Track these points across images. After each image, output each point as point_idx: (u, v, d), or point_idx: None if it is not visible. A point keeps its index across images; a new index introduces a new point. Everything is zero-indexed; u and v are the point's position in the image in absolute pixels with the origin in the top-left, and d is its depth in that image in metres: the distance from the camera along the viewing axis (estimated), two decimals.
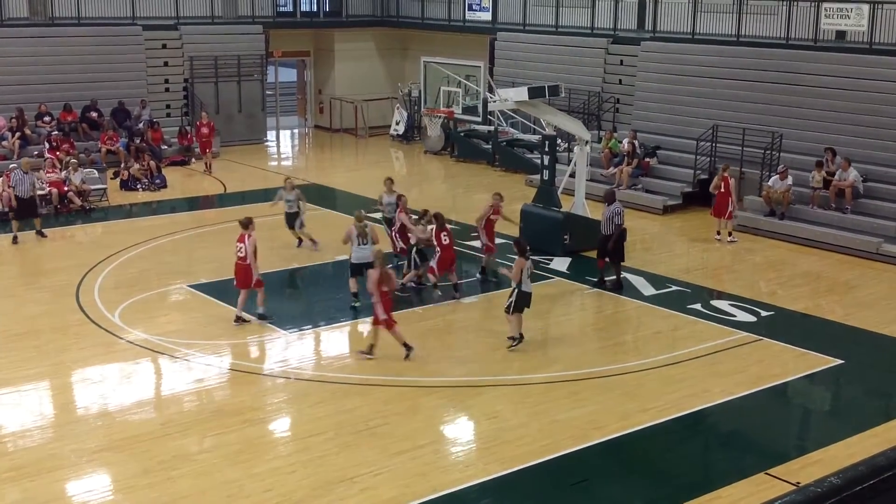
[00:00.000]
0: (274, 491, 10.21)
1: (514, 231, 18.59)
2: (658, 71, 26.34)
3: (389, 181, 18.74)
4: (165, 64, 30.62)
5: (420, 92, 31.95)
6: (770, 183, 21.25)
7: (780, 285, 18.03)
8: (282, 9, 34.30)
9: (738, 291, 17.29)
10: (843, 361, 14.13)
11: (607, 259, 17.23)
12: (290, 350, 14.64)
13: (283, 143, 34.76)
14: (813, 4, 23.54)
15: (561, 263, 18.62)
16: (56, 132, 26.25)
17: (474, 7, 32.33)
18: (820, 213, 20.71)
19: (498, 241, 17.80)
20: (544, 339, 15.18)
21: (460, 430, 12.23)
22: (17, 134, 26.05)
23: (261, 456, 11.04)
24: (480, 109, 29.51)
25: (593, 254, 17.78)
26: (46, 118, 27.05)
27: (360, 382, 13.13)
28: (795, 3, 23.97)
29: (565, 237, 19.12)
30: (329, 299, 16.82)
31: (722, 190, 20.28)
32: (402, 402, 12.62)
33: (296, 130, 36.90)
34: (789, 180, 20.90)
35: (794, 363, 14.13)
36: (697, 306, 16.39)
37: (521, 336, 14.30)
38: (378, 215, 18.88)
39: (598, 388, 13.09)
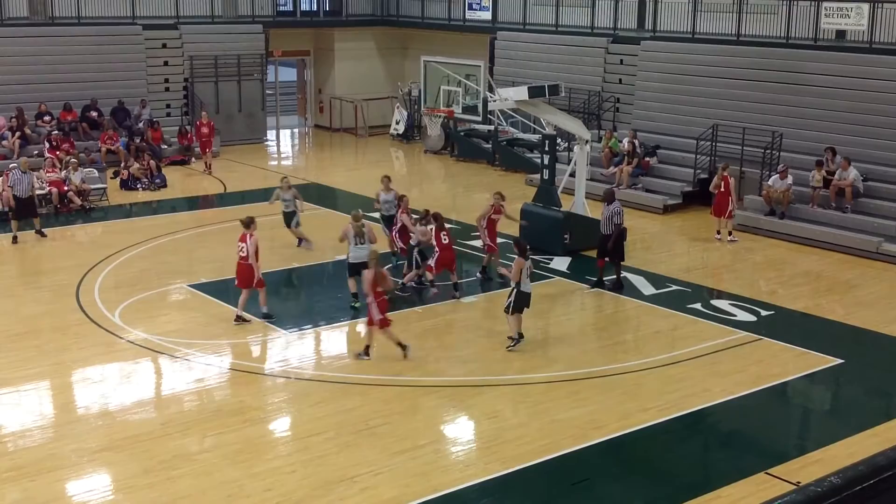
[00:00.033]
0: (274, 491, 10.21)
1: (516, 230, 18.59)
2: (658, 70, 26.34)
3: (387, 179, 18.74)
4: (165, 63, 30.62)
5: (420, 91, 31.87)
6: (770, 182, 21.24)
7: (781, 285, 18.04)
8: (282, 8, 34.30)
9: (738, 291, 17.29)
10: (843, 361, 14.13)
11: (607, 259, 17.23)
12: (290, 350, 14.64)
13: (283, 143, 34.76)
14: (813, 4, 23.54)
15: (561, 263, 18.62)
16: (56, 132, 26.24)
17: (474, 6, 32.32)
18: (820, 213, 20.71)
19: (499, 240, 17.78)
20: (544, 338, 15.18)
21: (460, 430, 12.23)
22: (17, 133, 26.05)
23: (261, 456, 11.04)
24: (480, 109, 29.42)
25: (593, 253, 17.77)
26: (46, 118, 27.06)
27: (360, 382, 13.13)
28: (795, 3, 23.96)
29: (565, 236, 19.12)
30: (329, 299, 16.83)
31: (722, 189, 20.28)
32: (402, 402, 12.62)
33: (296, 130, 36.90)
34: (789, 180, 20.90)
35: (794, 363, 14.13)
36: (697, 306, 16.40)
37: (521, 335, 14.30)
38: (376, 214, 18.88)
39: (598, 387, 13.09)
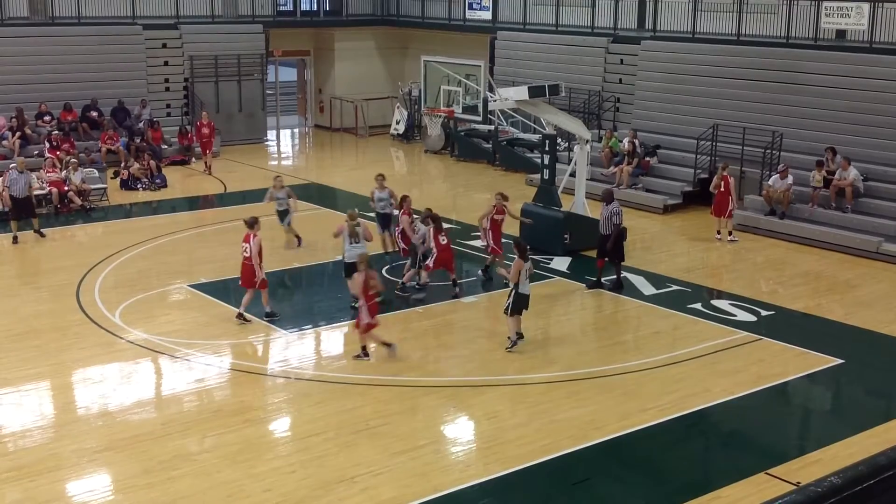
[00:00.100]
0: (274, 491, 10.21)
1: (524, 228, 18.60)
2: (658, 70, 26.34)
3: (381, 177, 18.79)
4: (165, 63, 30.62)
5: (420, 91, 31.93)
6: (770, 182, 21.24)
7: (781, 285, 18.04)
8: (282, 8, 34.30)
9: (738, 291, 17.29)
10: (843, 361, 14.13)
11: (606, 259, 17.22)
12: (290, 350, 14.64)
13: (283, 143, 34.76)
14: (813, 3, 23.54)
15: (561, 263, 18.62)
16: (56, 132, 26.25)
17: (474, 6, 32.32)
18: (820, 213, 20.70)
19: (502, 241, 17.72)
20: (544, 338, 15.18)
21: (460, 430, 12.22)
22: (18, 133, 26.06)
23: (261, 456, 11.04)
24: (481, 109, 29.48)
25: (594, 253, 17.76)
26: (46, 118, 27.07)
27: (360, 382, 13.13)
28: (795, 3, 23.96)
29: (566, 236, 19.11)
30: (329, 299, 16.83)
31: (722, 189, 20.28)
32: (402, 402, 12.62)
33: (296, 130, 36.90)
34: (789, 179, 20.90)
35: (794, 363, 14.13)
36: (698, 306, 16.39)
37: (521, 335, 14.30)
38: (373, 213, 18.91)
39: (598, 387, 13.09)
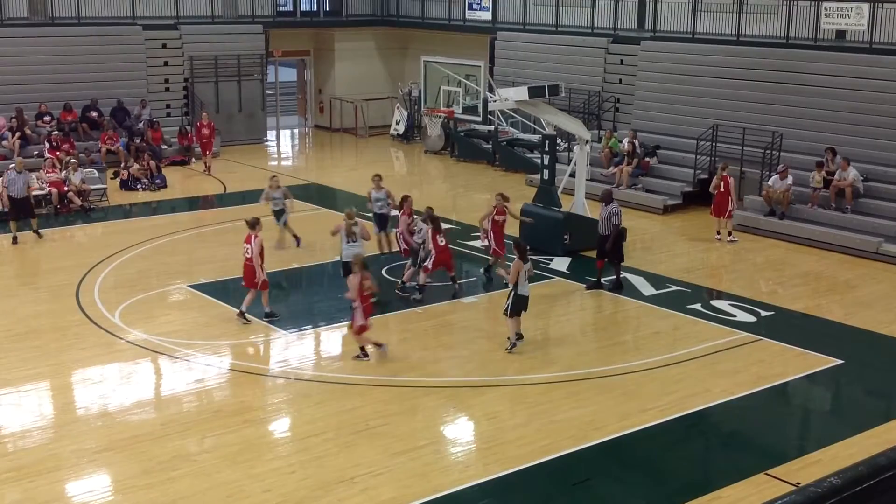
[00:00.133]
0: (274, 491, 10.21)
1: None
2: (658, 70, 26.34)
3: (377, 178, 18.82)
4: (165, 64, 30.62)
5: (420, 91, 31.94)
6: (770, 182, 21.24)
7: (780, 285, 18.04)
8: (282, 8, 34.30)
9: (738, 291, 17.29)
10: (842, 361, 14.13)
11: (606, 259, 17.21)
12: (290, 350, 14.64)
13: (283, 143, 34.76)
14: (813, 4, 23.54)
15: (561, 263, 18.61)
16: (56, 132, 26.25)
17: (474, 6, 32.32)
18: (820, 213, 20.70)
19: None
20: (544, 339, 15.17)
21: (460, 431, 12.22)
22: (17, 134, 26.05)
23: (261, 456, 11.04)
24: (480, 109, 29.50)
25: (593, 254, 17.76)
26: (46, 118, 27.06)
27: (360, 382, 13.13)
28: (795, 3, 23.97)
29: (565, 237, 19.11)
30: (329, 299, 16.82)
31: (721, 189, 20.28)
32: (402, 402, 12.61)
33: (296, 130, 36.90)
34: (789, 180, 20.90)
35: (794, 363, 14.13)
36: (697, 306, 16.39)
37: (520, 335, 14.29)
38: (371, 214, 18.92)
39: (598, 388, 13.09)
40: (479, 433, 11.92)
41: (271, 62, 33.95)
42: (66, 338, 14.68)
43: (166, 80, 30.57)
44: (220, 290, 16.73)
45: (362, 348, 13.81)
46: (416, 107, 32.71)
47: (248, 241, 15.04)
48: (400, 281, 16.76)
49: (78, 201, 22.53)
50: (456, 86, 30.25)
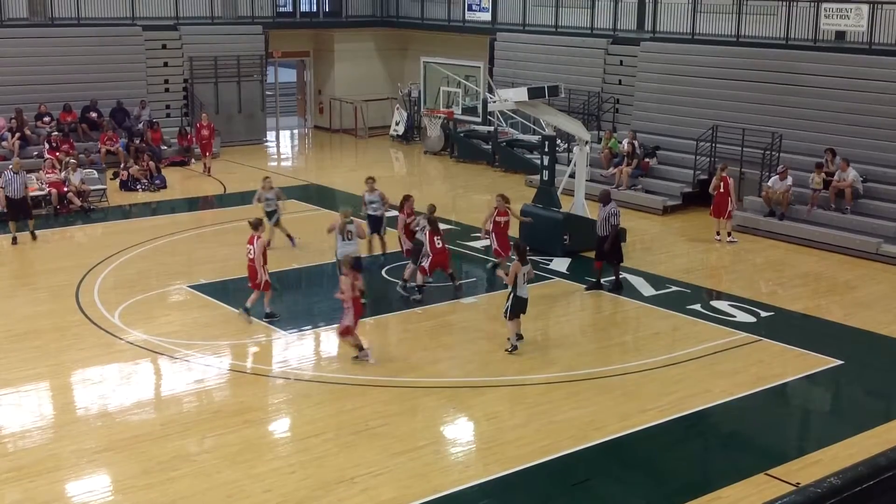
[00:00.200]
0: (274, 491, 10.21)
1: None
2: (658, 71, 26.35)
3: (371, 180, 18.83)
4: (165, 64, 30.62)
5: (420, 92, 31.95)
6: (770, 183, 21.25)
7: (780, 286, 18.04)
8: (281, 9, 34.31)
9: (737, 292, 17.29)
10: (842, 362, 14.13)
11: (604, 260, 17.21)
12: (289, 350, 14.64)
13: (282, 144, 34.76)
14: (812, 5, 23.55)
15: (561, 264, 18.61)
16: (56, 132, 26.25)
17: (474, 7, 32.33)
18: (820, 214, 20.70)
19: None
20: (544, 339, 15.18)
21: (460, 431, 12.23)
22: (17, 134, 26.05)
23: (261, 456, 11.04)
24: (480, 110, 29.51)
25: (593, 254, 17.76)
26: (46, 118, 27.06)
27: (360, 383, 13.13)
28: (795, 4, 23.98)
29: (565, 237, 19.11)
30: (328, 300, 16.77)
31: (721, 190, 20.29)
32: (402, 403, 12.62)
33: (295, 131, 36.90)
34: (789, 181, 20.90)
35: (793, 363, 14.13)
36: (697, 307, 16.39)
37: (520, 336, 14.29)
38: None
39: (598, 388, 13.09)
40: (479, 433, 11.93)
41: (271, 63, 33.95)
42: (65, 338, 14.68)
43: (166, 81, 30.58)
44: (220, 291, 16.74)
45: (359, 347, 13.80)
46: (416, 107, 32.72)
47: (250, 241, 15.08)
48: (401, 280, 16.76)
49: (77, 202, 22.53)
50: (455, 87, 30.25)
